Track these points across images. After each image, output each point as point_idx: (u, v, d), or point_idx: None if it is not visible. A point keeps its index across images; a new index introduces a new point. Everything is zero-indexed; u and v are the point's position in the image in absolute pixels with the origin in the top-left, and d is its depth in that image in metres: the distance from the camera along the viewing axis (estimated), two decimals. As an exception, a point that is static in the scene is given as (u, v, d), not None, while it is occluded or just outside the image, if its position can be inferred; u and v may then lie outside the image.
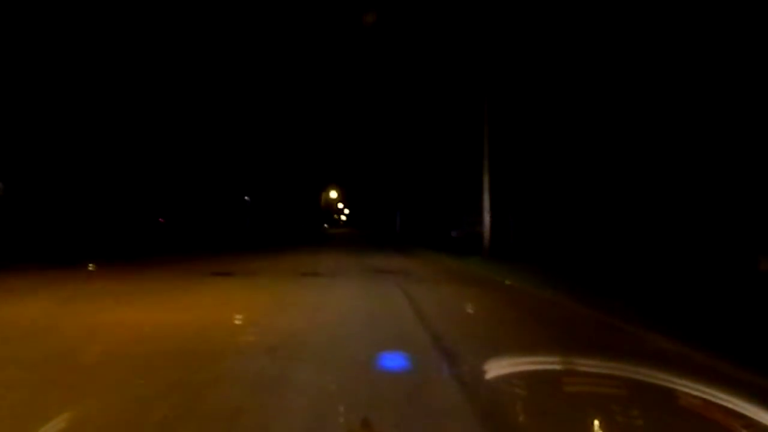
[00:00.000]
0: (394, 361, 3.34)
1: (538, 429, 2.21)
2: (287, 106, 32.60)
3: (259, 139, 29.40)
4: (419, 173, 30.67)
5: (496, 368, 3.07)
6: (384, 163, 39.05)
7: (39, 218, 15.27)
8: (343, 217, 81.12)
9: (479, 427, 2.11)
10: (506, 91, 15.01)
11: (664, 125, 11.50)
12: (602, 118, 13.52)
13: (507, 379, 2.91)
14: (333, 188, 53.58)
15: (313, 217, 46.78)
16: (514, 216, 19.09)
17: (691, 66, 10.67)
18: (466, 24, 17.24)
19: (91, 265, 9.40)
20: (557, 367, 3.15)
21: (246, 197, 28.28)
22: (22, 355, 3.19)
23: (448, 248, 18.08)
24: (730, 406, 2.31)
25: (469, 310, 6.04)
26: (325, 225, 55.46)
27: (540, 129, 16.37)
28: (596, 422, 2.27)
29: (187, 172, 22.55)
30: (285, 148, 34.20)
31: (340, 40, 38.07)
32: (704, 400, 2.42)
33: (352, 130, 42.90)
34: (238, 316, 4.98)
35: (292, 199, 38.02)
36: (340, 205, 70.14)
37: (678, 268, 9.43)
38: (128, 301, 5.62)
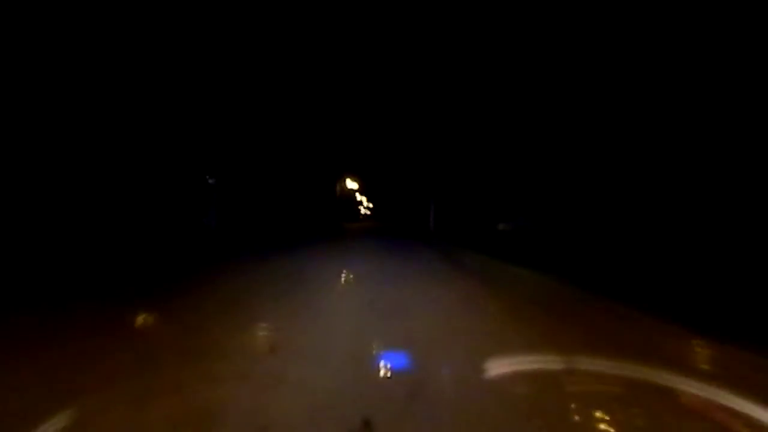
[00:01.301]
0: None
1: (538, 429, 2.17)
2: (292, 80, 26.56)
3: (242, 106, 22.21)
4: (455, 155, 25.00)
5: (496, 367, 3.02)
6: (412, 144, 32.06)
7: None
8: (363, 210, 77.72)
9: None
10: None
11: None
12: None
13: (507, 378, 2.87)
14: (350, 177, 48.72)
15: (328, 210, 40.50)
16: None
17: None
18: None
19: None
20: (557, 367, 3.10)
21: (209, 178, 18.63)
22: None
23: (530, 257, 10.08)
24: (731, 405, 2.31)
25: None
26: (345, 219, 52.32)
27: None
28: (596, 422, 2.25)
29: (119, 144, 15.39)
30: (286, 123, 27.83)
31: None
32: (705, 399, 2.42)
33: (371, 105, 35.07)
34: None
35: (296, 187, 30.48)
36: (360, 197, 66.60)
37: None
38: None
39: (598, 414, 2.33)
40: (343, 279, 6.93)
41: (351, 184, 49.62)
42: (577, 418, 2.30)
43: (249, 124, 22.86)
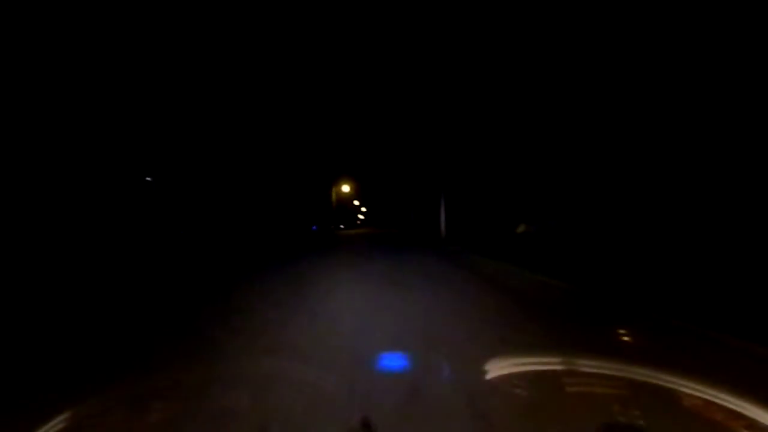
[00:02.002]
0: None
1: (539, 429, 2.15)
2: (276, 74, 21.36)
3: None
4: (468, 150, 20.05)
5: (496, 368, 2.99)
6: (417, 140, 25.50)
7: None
8: (361, 215, 76.25)
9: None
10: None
11: None
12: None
13: (508, 379, 2.83)
14: (346, 182, 45.66)
15: (322, 216, 37.38)
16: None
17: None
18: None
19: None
20: (557, 367, 3.07)
21: (148, 178, 13.62)
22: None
23: (581, 269, 7.94)
24: (730, 406, 2.28)
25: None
26: (341, 225, 51.37)
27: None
28: (596, 422, 2.23)
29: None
30: (275, 123, 23.15)
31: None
32: (705, 400, 2.39)
33: (369, 99, 29.40)
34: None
35: (285, 193, 25.63)
36: (357, 202, 65.26)
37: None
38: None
39: (598, 415, 2.32)
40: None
41: (347, 189, 48.66)
42: (577, 418, 2.29)
43: (224, 121, 18.09)
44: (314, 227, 34.47)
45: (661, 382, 2.67)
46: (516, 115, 16.35)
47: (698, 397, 2.45)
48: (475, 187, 21.45)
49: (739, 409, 2.26)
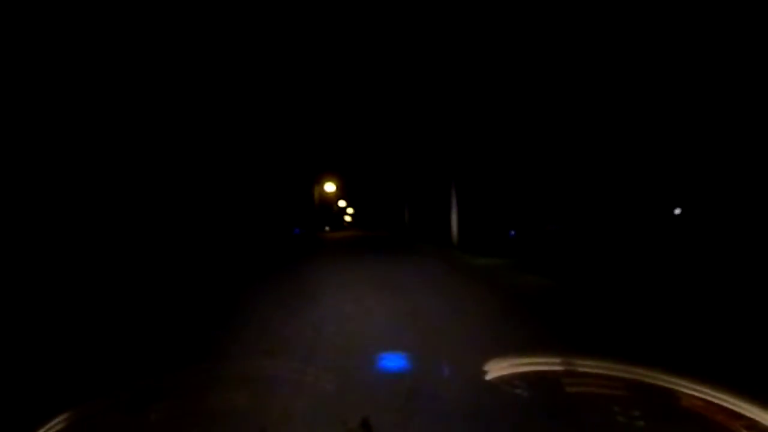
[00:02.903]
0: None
1: (539, 429, 2.14)
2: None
3: None
4: (480, 128, 15.58)
5: (496, 369, 2.94)
6: (421, 126, 20.61)
7: None
8: (348, 217, 75.45)
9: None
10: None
11: None
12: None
13: (508, 379, 2.80)
14: (329, 179, 42.22)
15: (304, 218, 33.67)
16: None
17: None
18: None
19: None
20: (557, 367, 3.03)
21: None
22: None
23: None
24: (731, 406, 2.25)
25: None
26: (326, 228, 50.47)
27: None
28: (597, 423, 2.21)
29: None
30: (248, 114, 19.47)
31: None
32: (705, 400, 2.36)
33: (351, 81, 25.27)
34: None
35: (260, 192, 21.86)
36: (343, 202, 63.69)
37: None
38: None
39: (598, 415, 2.32)
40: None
41: (331, 188, 46.62)
42: (577, 418, 2.28)
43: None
44: (296, 230, 32.48)
45: (661, 382, 2.68)
46: (540, 87, 13.41)
47: (698, 397, 2.45)
48: (490, 177, 16.10)
49: (739, 409, 2.26)
